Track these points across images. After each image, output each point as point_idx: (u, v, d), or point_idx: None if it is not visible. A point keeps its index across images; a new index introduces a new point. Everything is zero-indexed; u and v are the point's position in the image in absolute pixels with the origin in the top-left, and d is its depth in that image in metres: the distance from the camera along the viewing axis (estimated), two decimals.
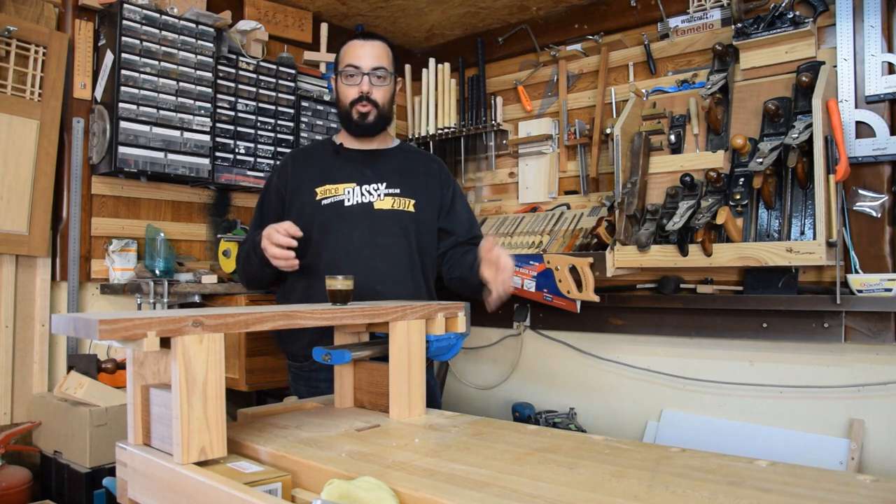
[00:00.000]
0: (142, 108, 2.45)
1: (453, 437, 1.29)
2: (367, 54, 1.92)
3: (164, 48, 2.51)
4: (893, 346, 2.27)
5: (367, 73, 1.91)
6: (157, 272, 2.52)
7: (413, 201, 1.96)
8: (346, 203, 1.92)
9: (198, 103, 2.61)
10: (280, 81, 2.90)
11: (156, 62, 2.49)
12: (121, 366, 2.32)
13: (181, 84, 2.56)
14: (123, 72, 2.41)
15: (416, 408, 1.47)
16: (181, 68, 2.56)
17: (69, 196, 2.46)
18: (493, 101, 3.31)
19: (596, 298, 2.66)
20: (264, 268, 1.84)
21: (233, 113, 2.74)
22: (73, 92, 2.48)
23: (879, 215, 2.30)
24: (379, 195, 1.94)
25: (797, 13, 2.40)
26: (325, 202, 1.92)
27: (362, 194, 1.93)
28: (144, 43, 2.46)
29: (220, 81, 2.69)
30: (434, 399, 1.95)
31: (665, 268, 2.56)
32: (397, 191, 1.96)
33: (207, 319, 1.12)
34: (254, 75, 2.81)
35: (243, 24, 2.84)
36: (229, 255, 2.72)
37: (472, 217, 2.11)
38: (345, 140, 2.03)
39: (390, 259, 1.91)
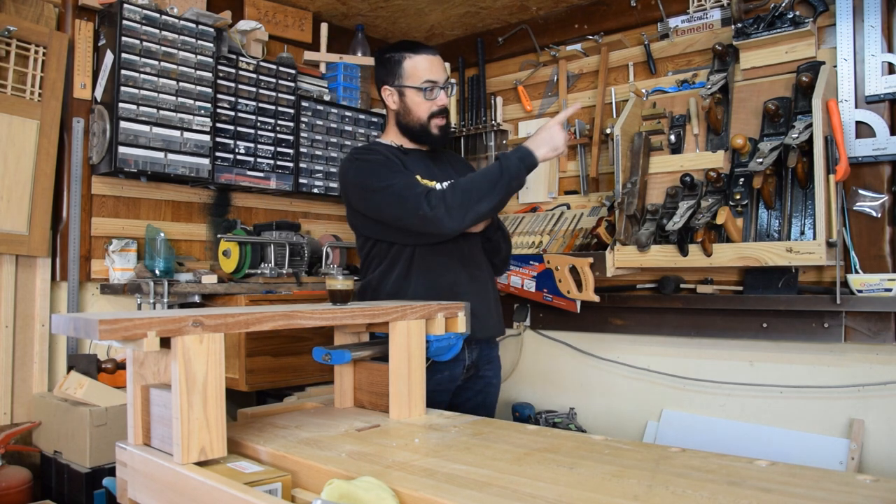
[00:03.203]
0: (142, 108, 2.45)
1: (453, 437, 1.29)
2: (440, 68, 2.00)
3: (164, 48, 2.51)
4: (893, 346, 2.27)
5: (444, 87, 1.98)
6: (157, 272, 2.52)
7: None
8: None
9: (198, 103, 2.60)
10: (280, 81, 2.90)
11: (156, 62, 2.49)
12: (121, 366, 2.32)
13: (181, 84, 2.56)
14: (123, 72, 2.41)
15: (416, 408, 1.47)
16: (181, 68, 2.56)
17: (69, 196, 2.46)
18: (493, 101, 3.31)
19: (596, 298, 2.66)
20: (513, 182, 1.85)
21: (233, 113, 2.74)
22: (73, 92, 2.47)
23: (879, 215, 2.30)
24: None
25: (797, 13, 2.40)
26: None
27: None
28: (144, 43, 2.46)
29: (220, 81, 2.69)
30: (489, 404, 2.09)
31: (665, 268, 2.56)
32: None
33: (207, 319, 1.12)
34: (254, 75, 2.81)
35: (243, 24, 2.84)
36: (229, 254, 2.72)
37: None
38: (402, 143, 2.05)
39: (479, 252, 2.04)
